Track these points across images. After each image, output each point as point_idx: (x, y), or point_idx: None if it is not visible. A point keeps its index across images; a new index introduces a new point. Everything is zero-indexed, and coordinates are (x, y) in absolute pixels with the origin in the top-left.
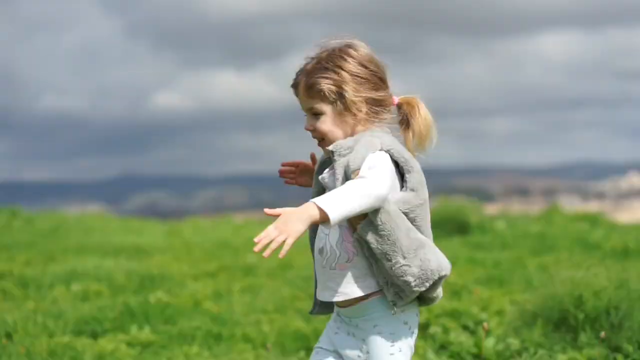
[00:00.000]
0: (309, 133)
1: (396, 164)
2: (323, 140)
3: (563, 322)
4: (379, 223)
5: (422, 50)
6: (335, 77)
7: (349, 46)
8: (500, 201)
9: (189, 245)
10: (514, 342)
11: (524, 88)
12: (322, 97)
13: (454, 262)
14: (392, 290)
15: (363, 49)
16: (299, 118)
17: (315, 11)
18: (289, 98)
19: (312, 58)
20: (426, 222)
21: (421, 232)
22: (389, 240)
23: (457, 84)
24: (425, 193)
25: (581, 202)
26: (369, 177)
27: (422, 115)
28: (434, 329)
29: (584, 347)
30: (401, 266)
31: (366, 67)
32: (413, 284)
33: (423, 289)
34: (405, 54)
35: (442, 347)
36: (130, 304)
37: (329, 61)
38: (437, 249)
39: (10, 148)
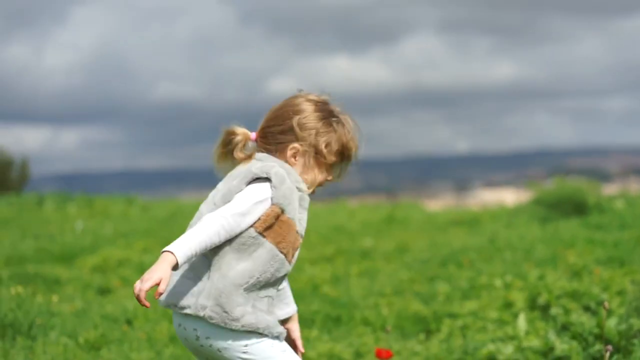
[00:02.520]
0: (424, 118)
1: None
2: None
3: None
4: None
5: (539, 30)
6: None
7: None
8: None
9: (305, 229)
10: (637, 322)
11: None
12: None
13: (572, 243)
14: None
15: None
16: (413, 103)
17: None
18: (403, 82)
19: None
20: None
21: None
22: None
23: (573, 63)
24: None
25: None
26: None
27: None
28: (555, 310)
29: None
30: None
31: None
32: None
33: None
34: (521, 34)
35: (564, 328)
36: None
37: None
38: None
39: (127, 137)
